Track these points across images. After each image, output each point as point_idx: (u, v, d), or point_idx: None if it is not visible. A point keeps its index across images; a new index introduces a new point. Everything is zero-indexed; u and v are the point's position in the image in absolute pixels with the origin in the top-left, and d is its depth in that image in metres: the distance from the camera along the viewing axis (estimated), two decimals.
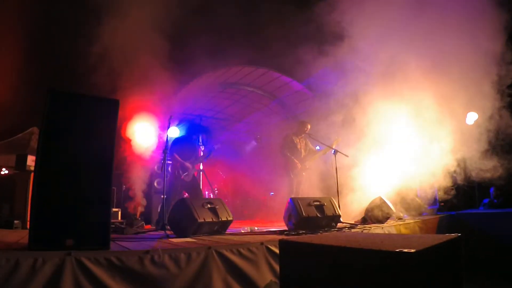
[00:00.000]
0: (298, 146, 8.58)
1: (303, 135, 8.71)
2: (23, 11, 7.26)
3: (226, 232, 5.37)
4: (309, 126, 8.72)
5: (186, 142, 7.81)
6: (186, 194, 7.77)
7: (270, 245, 3.80)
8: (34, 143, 8.31)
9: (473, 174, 7.67)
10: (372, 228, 5.61)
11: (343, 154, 7.60)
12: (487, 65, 7.21)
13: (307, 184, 8.73)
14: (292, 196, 7.73)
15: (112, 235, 4.33)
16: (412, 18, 7.33)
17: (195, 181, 7.80)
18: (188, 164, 7.54)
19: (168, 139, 6.55)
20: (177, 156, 7.47)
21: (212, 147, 8.27)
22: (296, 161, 8.38)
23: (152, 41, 7.36)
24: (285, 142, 8.61)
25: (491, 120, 7.42)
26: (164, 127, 6.82)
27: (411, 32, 7.32)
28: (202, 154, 8.30)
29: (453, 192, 7.95)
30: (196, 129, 8.04)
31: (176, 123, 9.30)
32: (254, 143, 13.72)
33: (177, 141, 7.79)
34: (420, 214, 7.69)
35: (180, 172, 7.47)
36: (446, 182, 7.76)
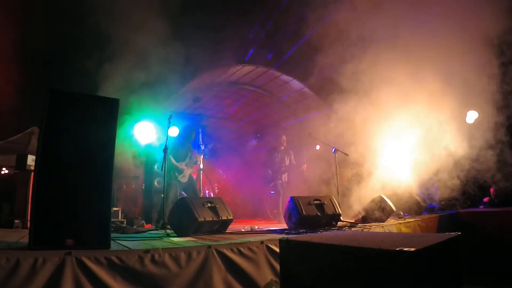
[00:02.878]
0: (276, 160, 9.19)
1: (282, 148, 9.27)
2: (21, 10, 7.26)
3: (227, 231, 5.37)
4: (283, 139, 9.06)
5: (180, 144, 7.77)
6: (185, 194, 7.76)
7: (271, 244, 3.80)
8: (34, 143, 8.32)
9: (474, 172, 7.67)
10: (373, 227, 5.61)
11: (343, 153, 7.61)
12: (488, 63, 7.19)
13: (301, 185, 8.84)
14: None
15: (113, 234, 4.33)
16: (414, 13, 7.32)
17: (191, 181, 7.77)
18: (183, 166, 7.52)
19: (168, 138, 6.55)
20: (172, 159, 7.40)
21: (205, 148, 8.27)
22: (269, 172, 9.15)
23: (152, 41, 7.36)
24: (266, 157, 9.46)
25: (492, 119, 7.42)
26: (164, 126, 6.82)
27: (410, 28, 7.31)
28: (202, 151, 8.28)
29: (456, 194, 7.99)
30: (189, 129, 8.00)
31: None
32: (254, 142, 13.72)
33: (173, 142, 7.72)
34: (420, 212, 7.69)
35: (176, 174, 7.44)
36: (446, 180, 7.77)
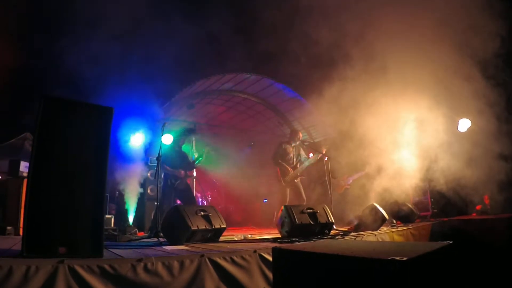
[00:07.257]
0: (291, 155, 8.54)
1: (297, 143, 8.67)
2: (16, 16, 7.25)
3: (220, 240, 5.36)
4: (300, 135, 8.74)
5: (175, 150, 7.74)
6: (179, 202, 7.72)
7: (263, 253, 3.80)
8: (27, 149, 8.27)
9: (466, 180, 7.71)
10: (365, 235, 5.62)
11: (336, 161, 7.64)
12: (482, 70, 7.24)
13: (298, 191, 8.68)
14: (284, 203, 7.72)
15: (105, 243, 4.31)
16: (407, 19, 7.36)
17: (188, 189, 7.76)
18: (180, 172, 7.49)
19: (161, 146, 6.54)
20: (166, 167, 7.37)
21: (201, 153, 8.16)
22: (288, 168, 8.34)
23: (146, 48, 7.37)
24: (277, 150, 8.59)
25: (485, 127, 7.46)
26: (158, 134, 6.82)
27: (405, 31, 7.34)
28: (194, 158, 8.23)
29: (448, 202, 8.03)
30: (183, 135, 7.95)
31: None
32: (247, 149, 13.72)
33: (166, 150, 7.66)
34: (413, 220, 7.71)
35: (173, 181, 7.43)
36: (439, 188, 7.81)
